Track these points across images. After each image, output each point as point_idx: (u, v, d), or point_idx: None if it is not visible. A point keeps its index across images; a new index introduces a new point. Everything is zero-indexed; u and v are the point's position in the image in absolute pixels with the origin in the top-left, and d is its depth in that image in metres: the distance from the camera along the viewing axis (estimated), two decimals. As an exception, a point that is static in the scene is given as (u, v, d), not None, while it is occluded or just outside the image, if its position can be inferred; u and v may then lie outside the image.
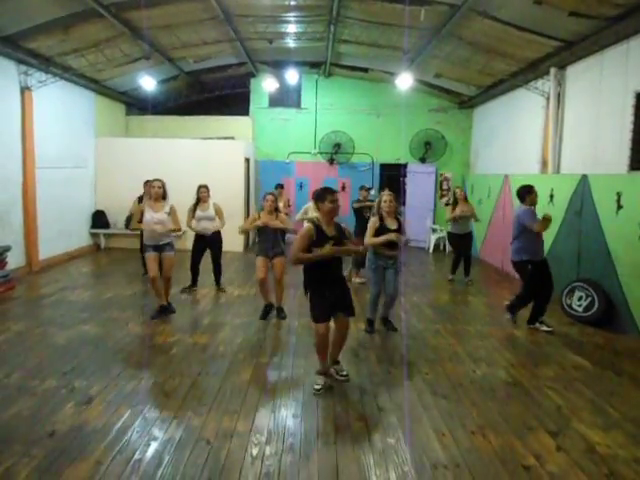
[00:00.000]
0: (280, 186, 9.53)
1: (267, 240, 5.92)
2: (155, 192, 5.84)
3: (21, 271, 7.88)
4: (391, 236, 5.20)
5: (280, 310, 6.02)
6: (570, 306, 6.24)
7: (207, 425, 3.43)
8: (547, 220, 5.50)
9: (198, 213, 6.94)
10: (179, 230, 5.98)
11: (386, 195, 5.39)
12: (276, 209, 5.96)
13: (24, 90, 7.99)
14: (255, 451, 3.13)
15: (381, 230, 5.27)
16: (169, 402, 3.76)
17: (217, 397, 3.86)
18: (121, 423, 3.42)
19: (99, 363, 4.49)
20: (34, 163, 8.26)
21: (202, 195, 6.95)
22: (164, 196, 5.92)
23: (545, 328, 5.66)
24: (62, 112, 9.31)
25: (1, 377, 4.11)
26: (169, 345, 5.00)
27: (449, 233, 8.57)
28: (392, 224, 5.33)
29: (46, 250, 8.70)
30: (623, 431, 3.48)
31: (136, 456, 3.03)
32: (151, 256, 5.83)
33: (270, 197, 5.93)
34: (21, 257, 8.06)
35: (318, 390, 4.01)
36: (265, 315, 5.92)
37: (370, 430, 3.42)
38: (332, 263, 4.07)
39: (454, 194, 8.34)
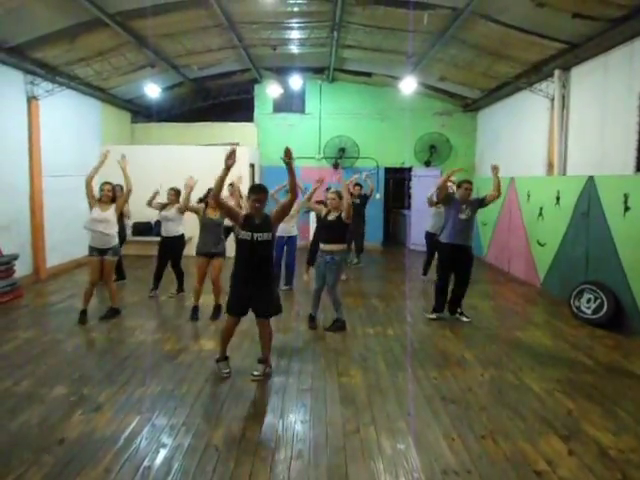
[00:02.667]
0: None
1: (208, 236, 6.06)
2: (105, 195, 6.03)
3: (29, 279, 7.92)
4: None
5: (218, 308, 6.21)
6: (579, 308, 6.20)
7: (216, 432, 3.42)
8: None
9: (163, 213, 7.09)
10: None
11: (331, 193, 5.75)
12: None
13: (31, 100, 8.06)
14: (264, 457, 3.12)
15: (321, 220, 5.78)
16: (177, 409, 3.76)
17: (225, 403, 3.86)
18: (130, 430, 3.42)
19: (107, 370, 4.50)
20: (41, 172, 8.32)
21: (171, 199, 7.09)
22: (114, 199, 6.11)
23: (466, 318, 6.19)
24: (69, 121, 9.38)
25: (10, 385, 4.13)
26: (176, 352, 5.00)
27: None
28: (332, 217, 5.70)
29: (53, 258, 8.74)
30: (635, 434, 3.44)
31: (145, 463, 3.03)
32: (93, 260, 5.95)
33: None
34: (28, 265, 8.10)
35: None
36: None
37: (379, 436, 3.40)
38: (252, 261, 4.20)
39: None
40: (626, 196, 5.71)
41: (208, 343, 5.27)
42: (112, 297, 6.20)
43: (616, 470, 3.02)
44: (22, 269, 7.65)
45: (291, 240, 7.45)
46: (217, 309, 6.20)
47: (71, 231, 9.48)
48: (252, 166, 11.29)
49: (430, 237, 8.36)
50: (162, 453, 3.15)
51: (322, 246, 5.69)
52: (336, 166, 12.43)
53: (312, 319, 5.90)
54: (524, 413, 3.76)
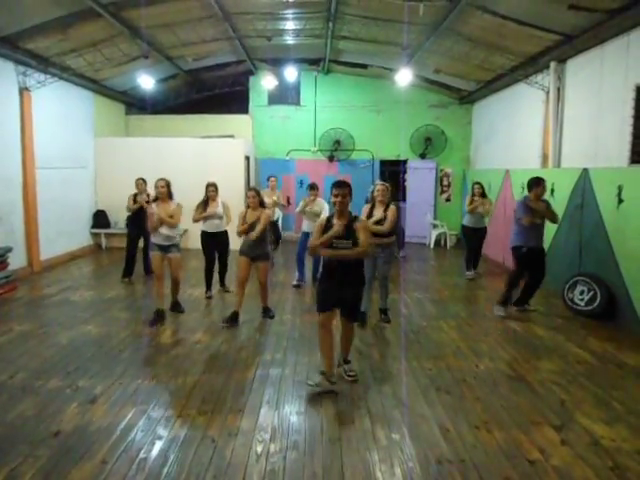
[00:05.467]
0: (271, 177, 8.82)
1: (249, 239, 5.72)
2: (159, 192, 5.77)
3: (23, 272, 7.88)
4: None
5: (267, 310, 6.00)
6: (572, 300, 6.23)
7: (211, 423, 3.43)
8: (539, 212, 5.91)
9: (208, 211, 6.78)
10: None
11: (379, 185, 5.68)
12: (261, 204, 5.79)
13: (23, 91, 7.98)
14: (260, 449, 3.13)
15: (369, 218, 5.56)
16: (173, 401, 3.77)
17: (221, 395, 3.87)
18: (126, 422, 3.42)
19: (102, 363, 4.49)
20: (34, 164, 8.25)
21: (211, 194, 6.77)
22: (170, 195, 5.86)
23: (531, 308, 6.26)
24: (61, 112, 9.30)
25: (5, 378, 4.12)
26: (172, 344, 5.00)
27: (463, 226, 8.55)
28: (379, 213, 5.58)
29: (47, 250, 8.70)
30: (627, 424, 3.48)
31: (141, 455, 3.04)
32: (156, 255, 5.78)
33: (251, 193, 5.80)
34: (22, 258, 8.06)
35: (310, 385, 3.96)
36: (231, 321, 5.64)
37: (374, 426, 3.43)
38: (348, 261, 4.01)
39: (472, 189, 8.40)
40: (620, 188, 5.73)
41: (204, 336, 5.27)
42: (174, 291, 6.10)
43: (608, 459, 3.06)
44: (16, 262, 7.61)
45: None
46: (266, 310, 6.02)
47: (65, 223, 9.45)
48: (247, 158, 11.24)
49: (471, 231, 8.31)
50: (158, 445, 3.16)
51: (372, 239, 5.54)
52: (331, 159, 12.40)
53: (363, 316, 5.70)
54: (518, 403, 3.79)
